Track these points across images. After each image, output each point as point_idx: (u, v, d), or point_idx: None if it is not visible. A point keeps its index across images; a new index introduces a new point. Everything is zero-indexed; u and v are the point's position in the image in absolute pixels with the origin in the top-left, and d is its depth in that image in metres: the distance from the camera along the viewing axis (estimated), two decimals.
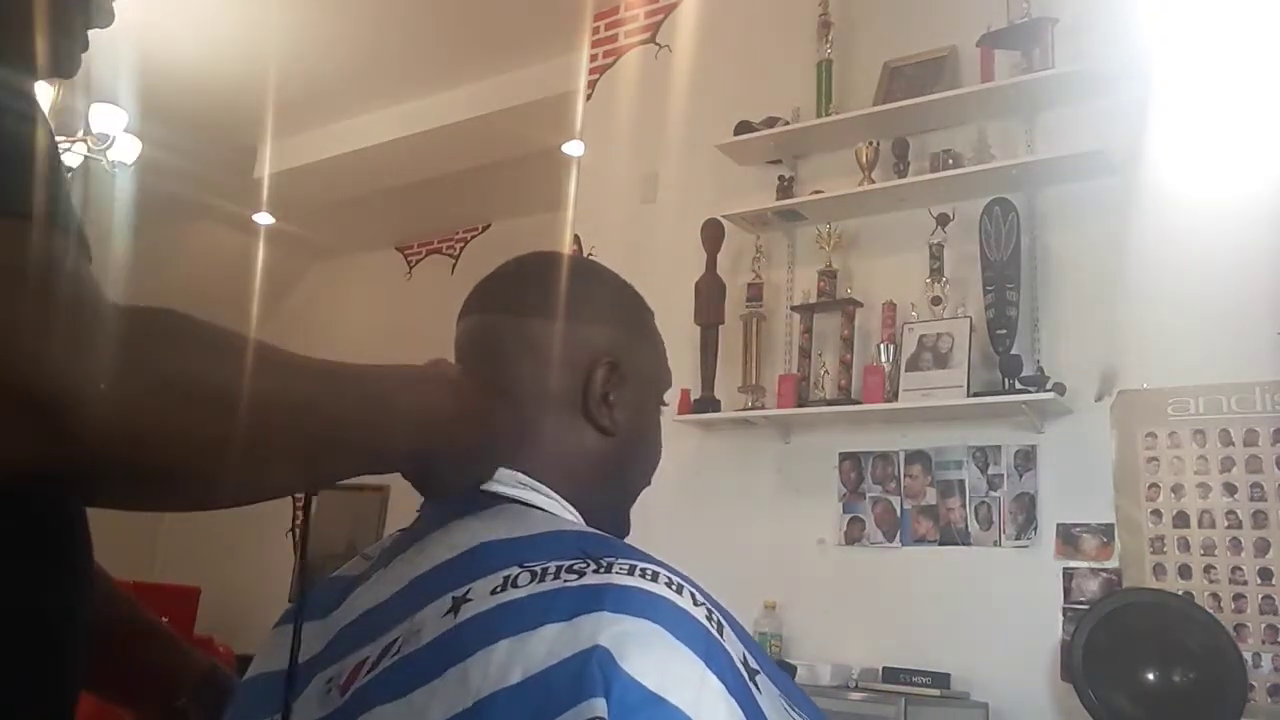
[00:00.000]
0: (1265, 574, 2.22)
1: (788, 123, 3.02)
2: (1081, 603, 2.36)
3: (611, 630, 0.51)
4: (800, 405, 2.80)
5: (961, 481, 2.61)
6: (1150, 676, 2.16)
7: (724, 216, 2.97)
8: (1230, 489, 2.29)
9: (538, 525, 0.63)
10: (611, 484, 0.74)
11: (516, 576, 0.57)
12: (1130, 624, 2.21)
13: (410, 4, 3.97)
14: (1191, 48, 2.49)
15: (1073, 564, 2.42)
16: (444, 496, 0.67)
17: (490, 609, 0.55)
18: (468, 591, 0.57)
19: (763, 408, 2.86)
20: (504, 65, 4.32)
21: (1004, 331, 2.52)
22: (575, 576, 0.55)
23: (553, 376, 0.71)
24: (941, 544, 2.60)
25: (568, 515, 0.68)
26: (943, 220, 2.70)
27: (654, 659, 0.50)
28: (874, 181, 2.82)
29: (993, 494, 2.56)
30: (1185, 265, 2.39)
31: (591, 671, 0.49)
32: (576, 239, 3.47)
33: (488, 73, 4.40)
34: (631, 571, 0.56)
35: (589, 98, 3.65)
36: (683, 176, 3.25)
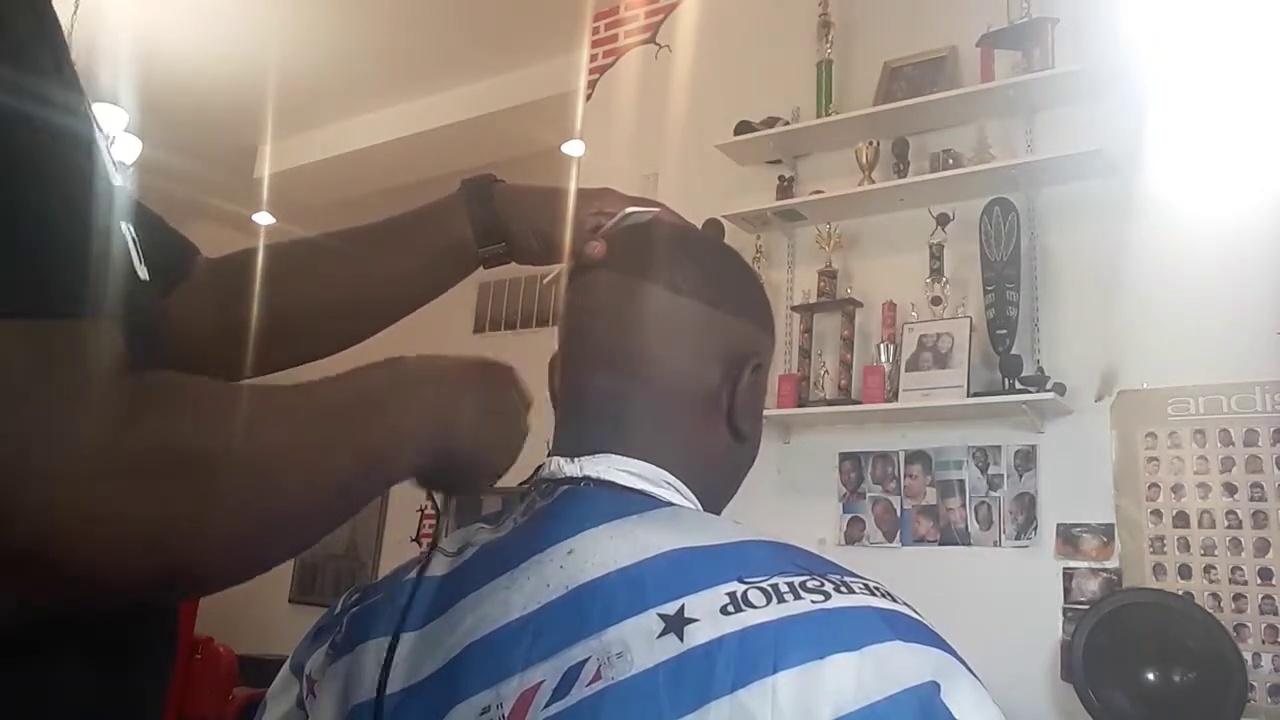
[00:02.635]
0: (1265, 574, 2.22)
1: (788, 123, 3.01)
2: (1081, 603, 2.36)
3: (918, 664, 0.47)
4: (800, 405, 2.80)
5: (961, 481, 2.61)
6: (1150, 676, 2.16)
7: (724, 216, 2.97)
8: (1230, 489, 2.29)
9: (720, 533, 0.56)
10: (727, 489, 0.69)
11: (746, 594, 0.50)
12: (1130, 624, 2.21)
13: (410, 4, 3.97)
14: (1191, 48, 2.49)
15: (1073, 564, 2.42)
16: (468, 495, 0.61)
17: (735, 633, 0.48)
18: (681, 609, 0.50)
19: (764, 411, 2.86)
20: (504, 65, 4.32)
21: (1004, 331, 2.52)
22: (822, 598, 0.49)
23: (703, 368, 0.64)
24: (941, 544, 2.60)
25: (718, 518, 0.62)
26: (943, 220, 2.70)
27: (969, 695, 0.48)
28: (874, 181, 2.82)
29: (993, 494, 2.56)
30: (1185, 265, 2.39)
31: (936, 711, 0.46)
32: None
33: (488, 73, 4.40)
34: (873, 591, 0.52)
35: (589, 98, 3.65)
36: (683, 176, 3.25)
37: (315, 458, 0.47)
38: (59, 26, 0.44)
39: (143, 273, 0.52)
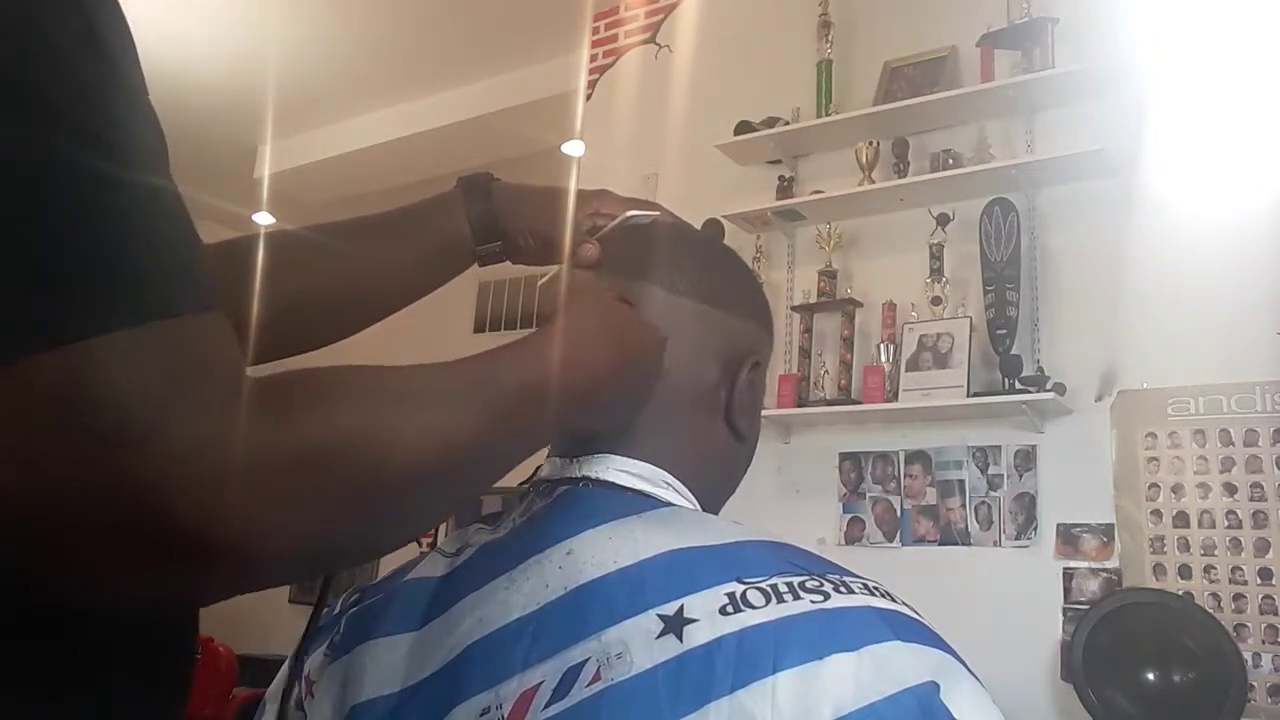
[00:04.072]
0: (1265, 574, 2.22)
1: (788, 123, 3.01)
2: (1081, 603, 2.36)
3: (917, 664, 0.47)
4: (800, 405, 2.80)
5: (961, 481, 2.61)
6: (1150, 676, 2.16)
7: (724, 216, 2.97)
8: (1230, 489, 2.29)
9: (720, 533, 0.56)
10: (725, 488, 0.69)
11: (745, 594, 0.50)
12: (1130, 624, 2.21)
13: (410, 4, 3.97)
14: (1191, 47, 2.49)
15: (1073, 564, 2.41)
16: (600, 431, 0.62)
17: (734, 633, 0.48)
18: (681, 609, 0.50)
19: (763, 407, 2.86)
20: (504, 65, 4.32)
21: (1004, 331, 2.52)
22: (821, 598, 0.49)
23: (701, 367, 0.64)
24: (941, 544, 2.60)
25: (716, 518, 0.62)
26: (943, 220, 2.70)
27: (969, 696, 0.48)
28: (874, 181, 2.82)
29: (993, 494, 2.56)
30: (1185, 265, 2.39)
31: (936, 711, 0.45)
32: None
33: (488, 73, 4.40)
34: (873, 592, 0.52)
35: (589, 98, 3.65)
36: (683, 176, 3.25)
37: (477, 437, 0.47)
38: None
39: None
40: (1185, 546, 2.31)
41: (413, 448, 0.43)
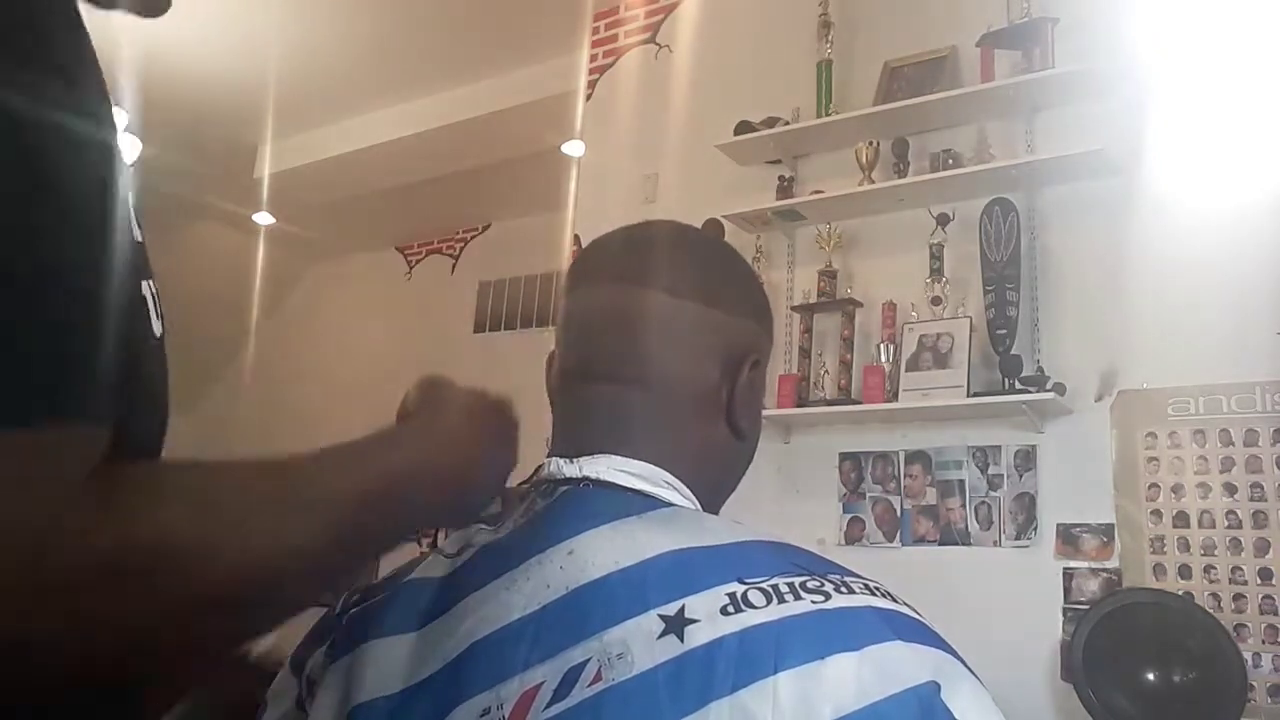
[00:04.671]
0: (1265, 574, 2.22)
1: (788, 123, 3.01)
2: (1081, 603, 2.36)
3: (918, 664, 0.47)
4: (800, 405, 2.80)
5: (961, 481, 2.61)
6: (1150, 676, 2.16)
7: (724, 216, 2.97)
8: (1230, 489, 2.29)
9: (721, 533, 0.56)
10: (726, 487, 0.69)
11: (746, 594, 0.50)
12: (1130, 624, 2.21)
13: (410, 4, 3.97)
14: (1192, 47, 2.49)
15: (1073, 564, 2.41)
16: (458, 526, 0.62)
17: (735, 633, 0.48)
18: (682, 609, 0.50)
19: (763, 407, 2.86)
20: (504, 65, 4.31)
21: (1004, 331, 2.52)
22: (822, 598, 0.50)
23: (701, 367, 0.64)
24: (941, 544, 2.60)
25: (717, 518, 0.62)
26: (943, 220, 2.70)
27: (969, 696, 0.48)
28: (874, 181, 2.82)
29: (993, 494, 2.56)
30: (1185, 265, 2.39)
31: (936, 711, 0.46)
32: (576, 239, 3.47)
33: (488, 73, 4.40)
34: (873, 592, 0.52)
35: (589, 98, 3.65)
36: (683, 176, 3.25)
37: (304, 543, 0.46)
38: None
39: (158, 327, 0.52)
40: (1185, 546, 2.31)
41: (234, 562, 0.42)
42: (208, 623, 0.43)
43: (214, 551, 0.42)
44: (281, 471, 0.47)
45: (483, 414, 0.60)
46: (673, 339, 0.64)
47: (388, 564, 0.70)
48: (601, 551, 0.54)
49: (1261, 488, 2.26)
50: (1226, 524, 2.28)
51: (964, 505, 2.59)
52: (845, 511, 2.76)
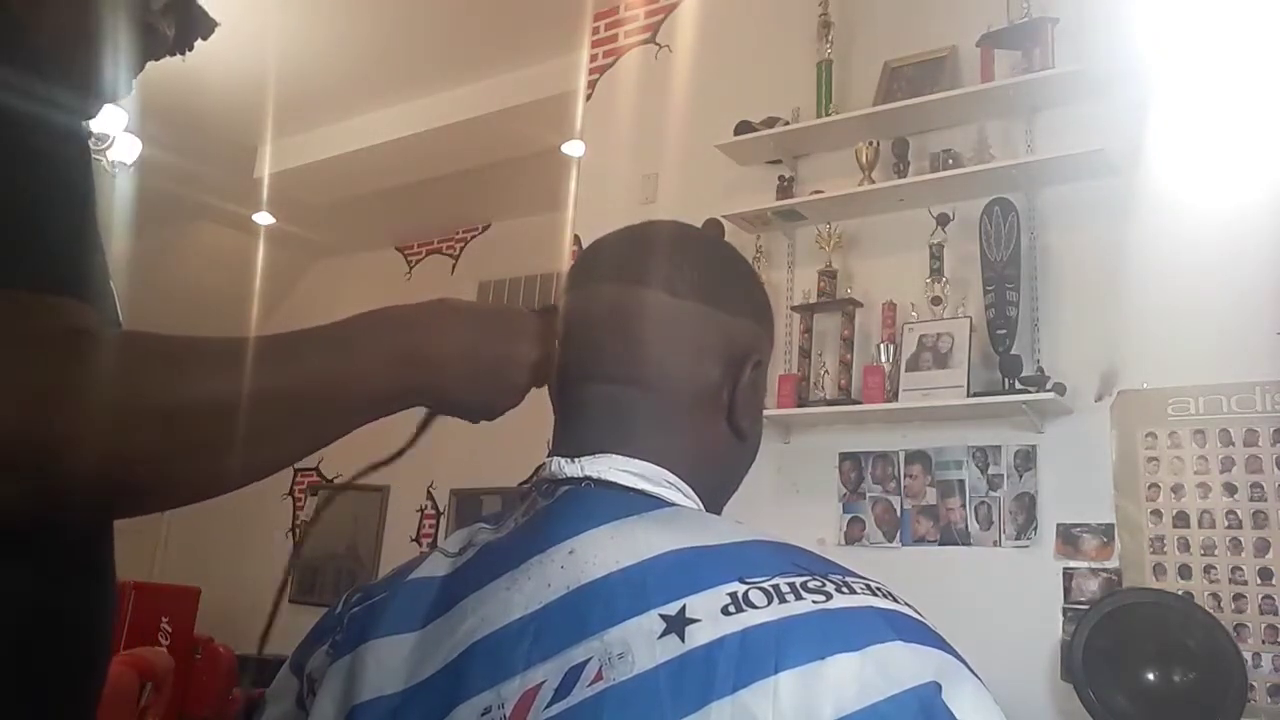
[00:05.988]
0: (1265, 574, 2.22)
1: (788, 123, 3.01)
2: (1081, 603, 2.36)
3: (919, 664, 0.47)
4: (800, 405, 2.80)
5: (961, 481, 2.61)
6: (1150, 676, 2.16)
7: (724, 216, 2.97)
8: (1230, 489, 2.29)
9: (722, 533, 0.56)
10: (727, 488, 0.69)
11: (747, 594, 0.50)
12: (1130, 624, 2.21)
13: (410, 4, 3.97)
14: (1191, 47, 2.49)
15: (1073, 564, 2.42)
16: (472, 420, 0.66)
17: (736, 633, 0.48)
18: (683, 609, 0.50)
19: (764, 408, 2.86)
20: (504, 65, 4.32)
21: (1004, 331, 2.52)
22: (823, 598, 0.50)
23: (702, 367, 0.64)
24: (941, 544, 2.60)
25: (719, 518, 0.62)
26: (943, 220, 2.70)
27: (970, 696, 0.48)
28: (874, 181, 2.82)
29: (993, 494, 2.56)
30: (1185, 265, 2.39)
31: (937, 711, 0.46)
32: (576, 239, 3.47)
33: (488, 73, 4.40)
34: (875, 592, 0.52)
35: (589, 98, 3.65)
36: (683, 176, 3.25)
37: (271, 395, 0.55)
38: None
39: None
40: (1185, 546, 2.31)
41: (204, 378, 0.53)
42: (205, 425, 0.52)
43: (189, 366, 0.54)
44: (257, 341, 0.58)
45: (473, 311, 0.66)
46: (674, 339, 0.64)
47: (388, 564, 0.70)
48: (603, 551, 0.54)
49: (1261, 488, 2.26)
50: (1226, 524, 2.28)
51: (964, 505, 2.59)
52: (845, 511, 2.76)
